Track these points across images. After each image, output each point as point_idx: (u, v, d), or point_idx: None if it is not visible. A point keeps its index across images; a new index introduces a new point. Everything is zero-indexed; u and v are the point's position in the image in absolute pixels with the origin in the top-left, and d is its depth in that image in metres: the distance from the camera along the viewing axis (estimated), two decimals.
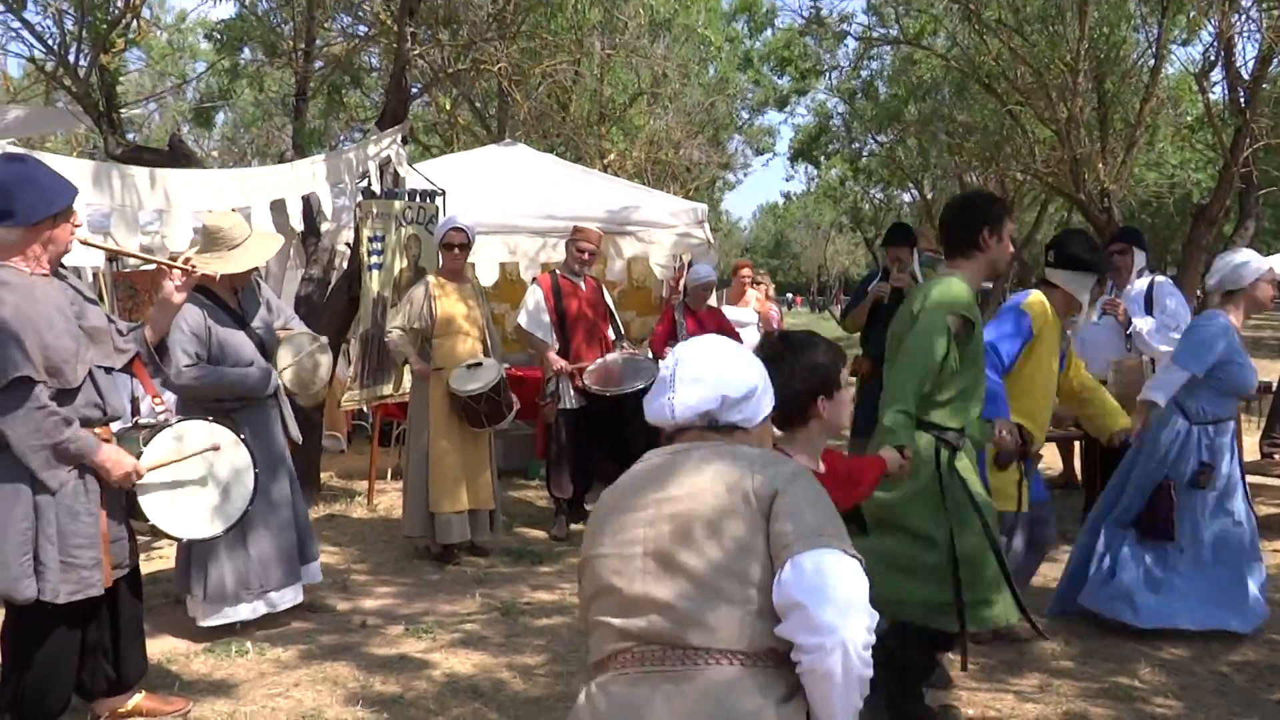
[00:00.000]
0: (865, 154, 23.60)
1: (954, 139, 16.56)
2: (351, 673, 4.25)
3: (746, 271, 9.84)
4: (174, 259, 3.69)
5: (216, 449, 3.72)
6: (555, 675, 4.25)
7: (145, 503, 3.53)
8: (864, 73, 20.21)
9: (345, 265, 7.83)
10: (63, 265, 3.46)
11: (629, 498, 2.04)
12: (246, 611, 4.65)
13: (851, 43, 16.84)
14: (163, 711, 3.78)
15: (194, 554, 4.56)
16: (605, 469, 8.02)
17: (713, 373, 2.09)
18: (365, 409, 8.19)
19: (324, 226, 7.79)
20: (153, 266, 7.36)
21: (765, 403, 2.17)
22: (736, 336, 7.74)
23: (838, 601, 1.78)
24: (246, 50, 12.10)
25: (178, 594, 4.86)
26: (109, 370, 3.47)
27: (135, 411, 3.80)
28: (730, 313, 9.23)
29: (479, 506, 6.04)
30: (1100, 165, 11.31)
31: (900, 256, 7.27)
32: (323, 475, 8.09)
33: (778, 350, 2.70)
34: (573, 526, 6.80)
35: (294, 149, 8.29)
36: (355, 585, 5.58)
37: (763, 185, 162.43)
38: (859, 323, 7.40)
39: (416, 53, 6.79)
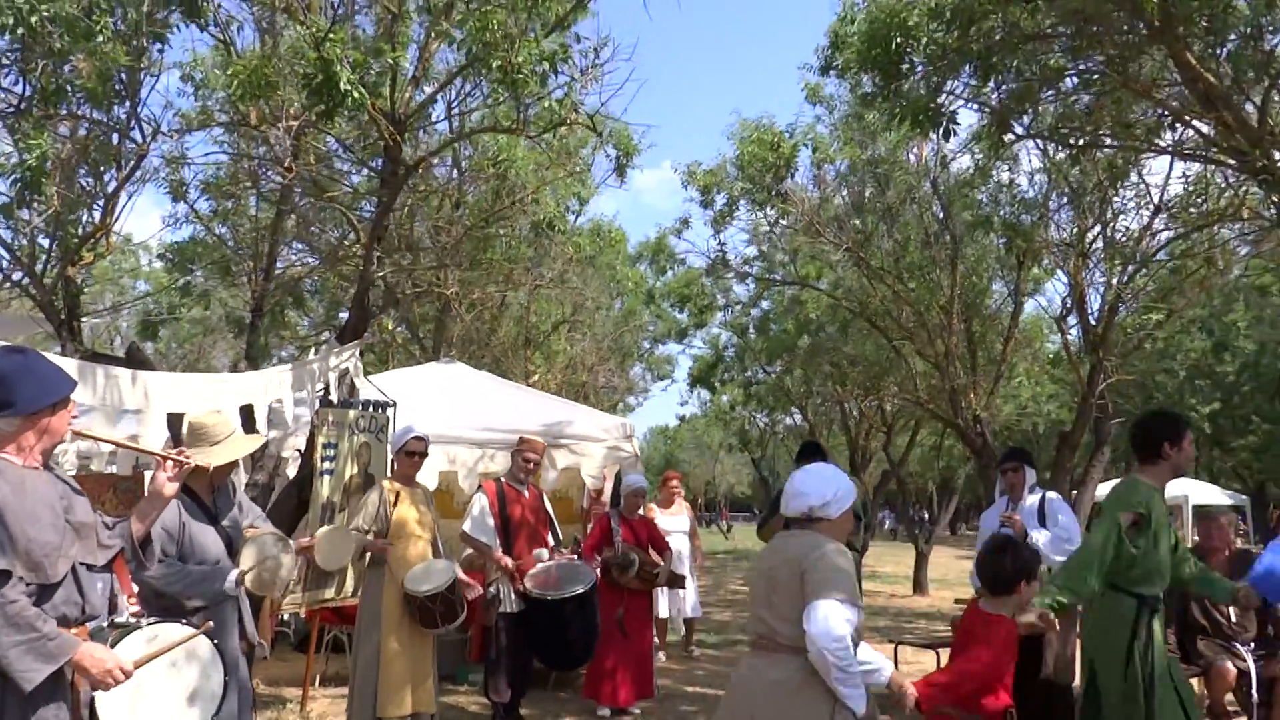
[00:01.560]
0: (756, 382, 24.27)
1: (838, 369, 17.17)
2: None
3: (675, 482, 9.98)
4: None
5: (188, 653, 3.39)
6: None
7: (103, 712, 3.15)
8: (754, 311, 21.10)
9: (290, 471, 7.56)
10: None
11: (762, 562, 3.55)
12: None
13: (746, 282, 17.69)
14: None
15: None
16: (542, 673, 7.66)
17: (804, 490, 3.46)
18: (300, 614, 7.72)
19: (271, 434, 7.56)
20: (88, 473, 6.98)
21: (836, 507, 3.45)
22: (665, 545, 7.63)
23: (819, 625, 3.17)
24: (198, 271, 12.02)
25: None
26: (90, 567, 3.18)
27: (113, 610, 3.46)
28: (664, 520, 9.19)
29: (421, 710, 5.64)
30: (973, 395, 11.83)
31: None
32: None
33: (1006, 545, 4.19)
34: None
35: (247, 361, 8.12)
36: None
37: (659, 409, 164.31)
38: (776, 530, 7.36)
39: (381, 275, 6.82)
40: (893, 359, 14.35)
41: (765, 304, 20.45)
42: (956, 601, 10.59)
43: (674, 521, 9.49)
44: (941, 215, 11.96)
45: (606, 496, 9.21)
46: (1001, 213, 10.78)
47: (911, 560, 17.83)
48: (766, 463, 35.01)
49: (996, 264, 12.62)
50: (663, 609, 9.22)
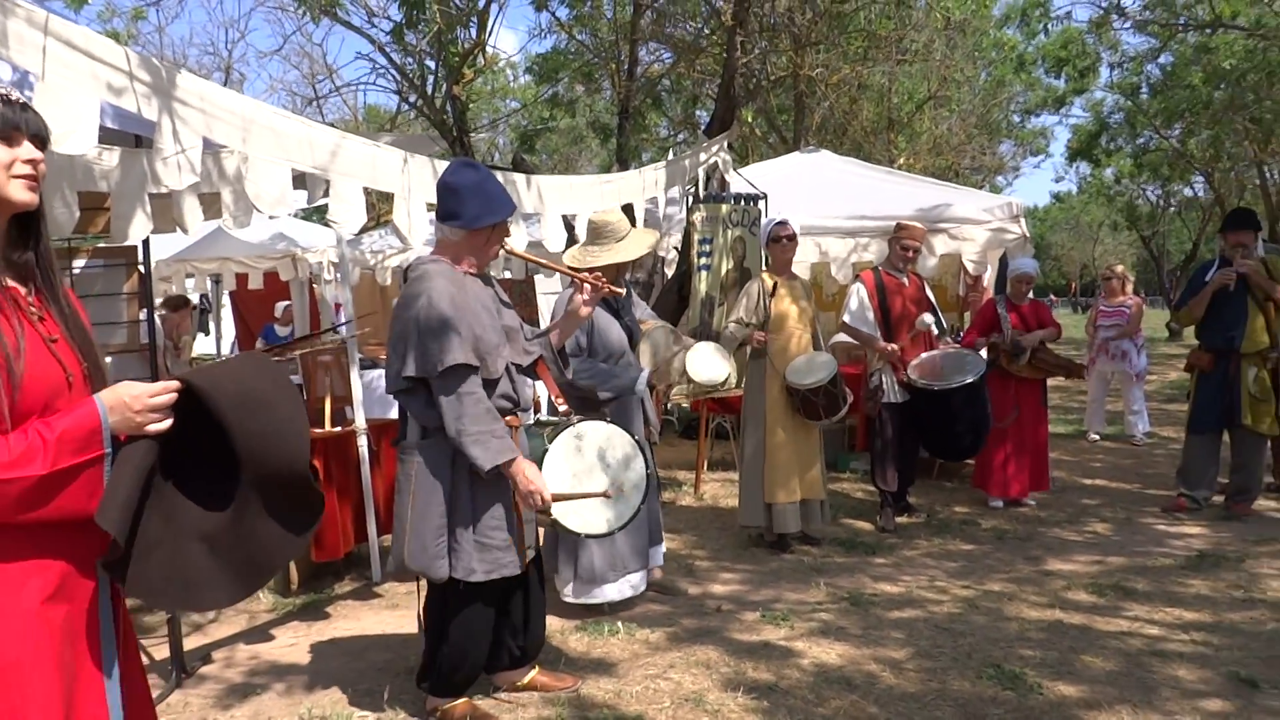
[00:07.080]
0: (1149, 149, 21.48)
1: (1259, 126, 14.63)
2: (721, 657, 4.03)
3: (1120, 269, 9.85)
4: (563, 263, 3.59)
5: (618, 449, 3.53)
6: (927, 671, 3.85)
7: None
8: (1149, 66, 18.36)
9: (668, 271, 7.76)
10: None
11: None
12: (613, 593, 4.54)
13: (1135, 37, 15.31)
14: (555, 687, 3.68)
15: (563, 538, 4.48)
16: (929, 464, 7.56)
17: None
18: (685, 404, 8.10)
19: None
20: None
21: None
22: (1059, 328, 7.04)
23: None
24: (564, 79, 12.41)
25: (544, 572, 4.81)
26: (519, 368, 3.38)
27: (537, 410, 3.74)
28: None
29: (810, 497, 5.71)
30: None
31: (1243, 242, 6.37)
32: None
33: None
34: (898, 519, 6.36)
35: (618, 164, 8.30)
36: (700, 570, 5.40)
37: (1029, 188, 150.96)
38: (1196, 315, 6.50)
39: (744, 62, 6.56)
40: None
41: (1164, 58, 17.72)
42: None
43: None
44: None
45: (987, 283, 8.66)
46: None
47: None
48: (1158, 240, 31.44)
49: None
50: None
